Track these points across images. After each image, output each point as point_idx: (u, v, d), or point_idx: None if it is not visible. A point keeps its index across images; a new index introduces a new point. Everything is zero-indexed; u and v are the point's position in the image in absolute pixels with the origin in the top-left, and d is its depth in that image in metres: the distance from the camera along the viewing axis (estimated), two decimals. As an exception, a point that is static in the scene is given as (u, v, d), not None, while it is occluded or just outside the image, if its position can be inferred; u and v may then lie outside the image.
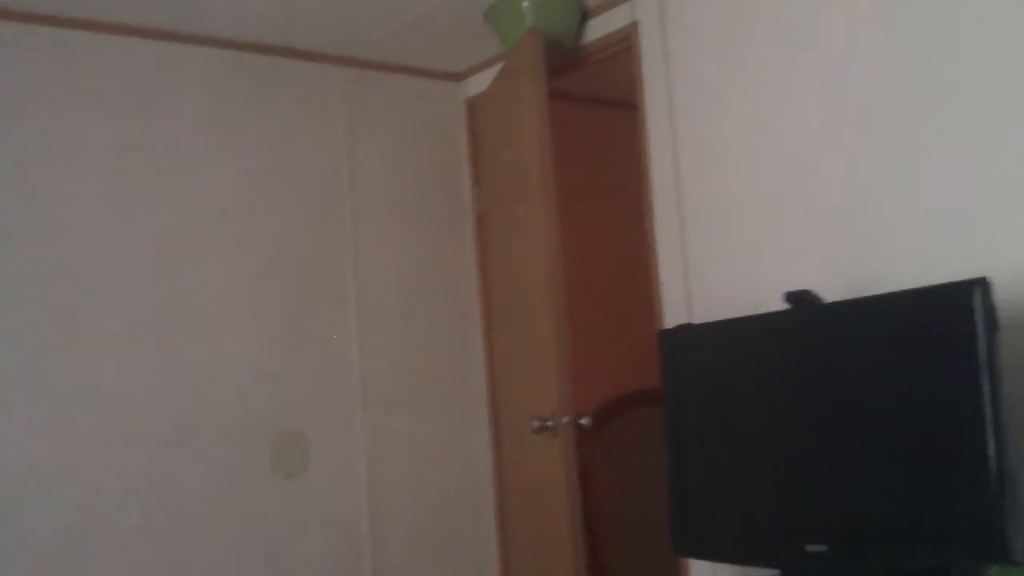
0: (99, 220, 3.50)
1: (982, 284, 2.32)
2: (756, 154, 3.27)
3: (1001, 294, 2.53)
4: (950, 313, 2.37)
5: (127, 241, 3.55)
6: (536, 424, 3.52)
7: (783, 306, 2.76)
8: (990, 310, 2.31)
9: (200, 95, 3.77)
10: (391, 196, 4.19)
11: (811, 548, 2.61)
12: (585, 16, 3.82)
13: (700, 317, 3.40)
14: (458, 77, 4.44)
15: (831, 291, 2.84)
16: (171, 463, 3.55)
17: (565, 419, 3.45)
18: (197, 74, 3.77)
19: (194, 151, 3.73)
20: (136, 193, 3.59)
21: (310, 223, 3.97)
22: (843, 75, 3.01)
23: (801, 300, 2.71)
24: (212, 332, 3.69)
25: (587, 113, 4.77)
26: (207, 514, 3.60)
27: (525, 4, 3.63)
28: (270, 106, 3.93)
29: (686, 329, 3.10)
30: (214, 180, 3.76)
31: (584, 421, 3.54)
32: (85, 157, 3.50)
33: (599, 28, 3.81)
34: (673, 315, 3.51)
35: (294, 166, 3.95)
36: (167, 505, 3.52)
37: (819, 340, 2.67)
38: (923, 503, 2.45)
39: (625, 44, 3.71)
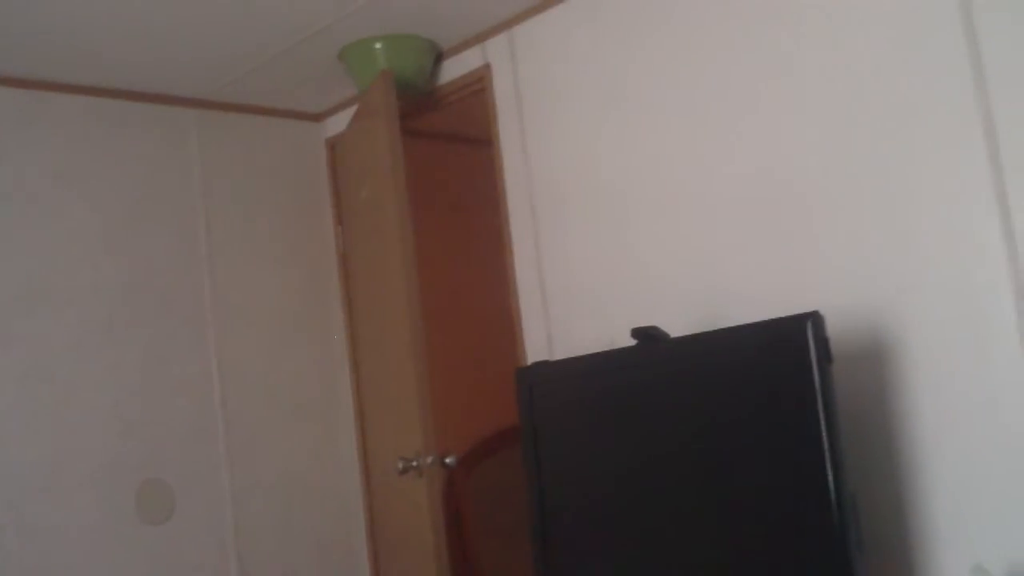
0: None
1: (814, 317, 2.39)
2: (604, 193, 3.33)
3: (842, 325, 2.60)
4: (785, 346, 2.42)
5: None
6: (401, 464, 3.51)
7: (632, 342, 2.80)
8: (823, 342, 2.37)
9: (53, 141, 3.68)
10: (251, 238, 4.14)
11: (665, 581, 2.65)
12: (439, 58, 3.84)
13: (561, 353, 3.43)
14: (318, 117, 4.42)
15: (682, 326, 2.89)
16: (33, 511, 3.44)
17: (429, 459, 3.44)
18: (50, 121, 3.69)
19: (47, 199, 3.64)
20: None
21: (167, 268, 3.89)
22: (688, 115, 3.09)
23: (647, 336, 2.76)
24: (69, 382, 3.59)
25: (446, 150, 4.78)
26: (72, 563, 3.50)
27: (377, 46, 3.63)
28: (124, 151, 3.85)
29: (542, 367, 3.13)
30: (68, 227, 3.67)
31: (449, 461, 3.54)
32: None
33: (453, 69, 3.84)
34: (535, 351, 3.54)
35: (150, 211, 3.88)
36: (30, 553, 3.41)
37: (664, 375, 2.71)
38: (770, 533, 2.49)
39: (479, 85, 3.74)
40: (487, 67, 3.69)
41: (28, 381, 3.51)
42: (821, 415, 2.35)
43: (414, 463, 3.48)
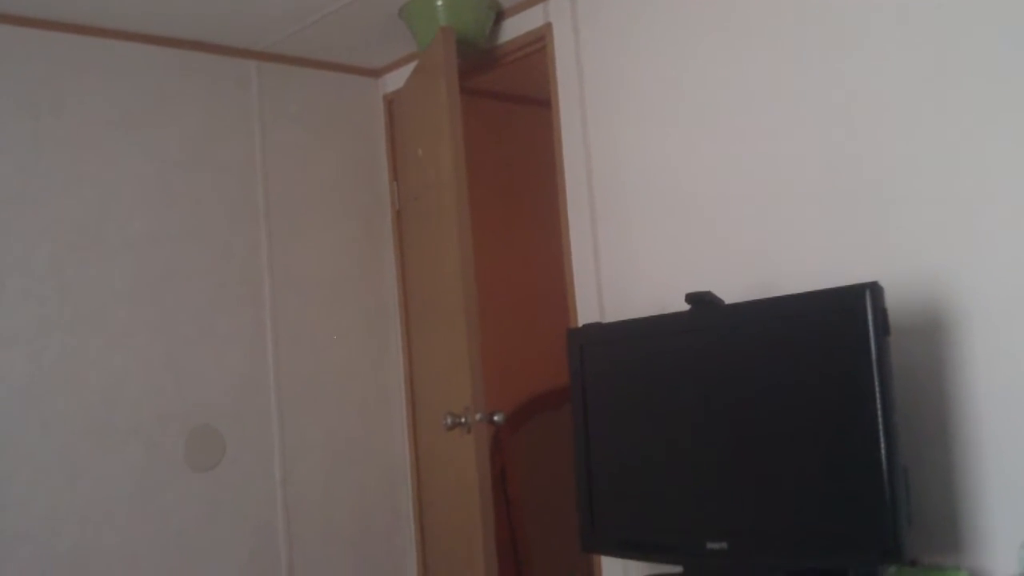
0: (7, 215, 3.43)
1: (873, 288, 2.37)
2: (661, 159, 3.31)
3: (899, 299, 2.58)
4: (843, 316, 2.41)
5: (36, 236, 3.49)
6: (449, 420, 3.52)
7: (686, 307, 2.79)
8: (881, 314, 2.36)
9: (112, 89, 3.71)
10: (308, 191, 4.16)
11: (712, 546, 2.65)
12: (500, 16, 3.82)
13: (612, 315, 3.43)
14: (376, 73, 4.42)
15: (735, 293, 2.88)
16: (83, 457, 3.50)
17: (477, 416, 3.46)
18: (110, 68, 3.71)
19: (105, 146, 3.67)
20: (45, 188, 3.52)
21: (223, 218, 3.93)
22: (749, 86, 3.06)
23: (702, 301, 2.75)
24: (123, 328, 3.64)
25: (505, 110, 4.78)
26: (120, 508, 3.56)
27: (439, 3, 3.62)
28: (183, 100, 3.87)
29: (594, 328, 3.14)
30: (125, 175, 3.70)
31: (498, 418, 3.54)
32: (-8, 151, 3.45)
33: (514, 28, 3.82)
34: (586, 313, 3.54)
35: (207, 161, 3.91)
36: (79, 499, 3.48)
37: (718, 341, 2.71)
38: (819, 503, 2.49)
39: (539, 44, 3.73)
40: (548, 26, 3.66)
41: (81, 327, 3.55)
42: (876, 388, 2.34)
43: (462, 419, 3.49)
